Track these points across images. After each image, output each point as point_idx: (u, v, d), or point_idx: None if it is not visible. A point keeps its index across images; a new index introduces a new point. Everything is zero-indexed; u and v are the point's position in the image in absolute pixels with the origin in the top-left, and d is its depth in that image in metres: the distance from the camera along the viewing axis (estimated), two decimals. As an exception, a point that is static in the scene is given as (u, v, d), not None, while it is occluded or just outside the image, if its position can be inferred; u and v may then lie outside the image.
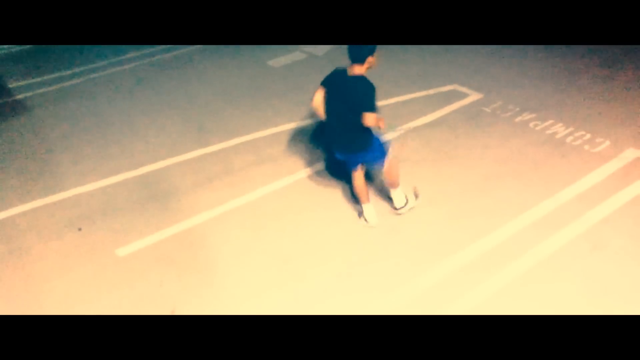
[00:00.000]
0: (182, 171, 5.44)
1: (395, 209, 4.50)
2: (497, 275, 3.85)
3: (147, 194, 5.13)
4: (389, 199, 4.57)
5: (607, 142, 5.17)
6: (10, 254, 4.50)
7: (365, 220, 4.43)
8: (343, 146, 4.23)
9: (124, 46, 9.03)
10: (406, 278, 3.90)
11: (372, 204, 4.45)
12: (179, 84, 7.54)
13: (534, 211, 4.41)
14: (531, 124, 5.62)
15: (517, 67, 6.94)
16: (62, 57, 8.85)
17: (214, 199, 4.94)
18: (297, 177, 5.15)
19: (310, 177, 5.15)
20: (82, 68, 8.37)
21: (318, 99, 4.14)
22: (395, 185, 4.42)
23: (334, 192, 4.90)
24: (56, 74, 8.19)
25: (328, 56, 7.82)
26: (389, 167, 4.31)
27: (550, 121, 5.63)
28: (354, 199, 4.64)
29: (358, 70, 3.87)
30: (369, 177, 4.73)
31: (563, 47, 7.28)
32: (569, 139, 5.30)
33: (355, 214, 4.57)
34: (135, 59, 8.56)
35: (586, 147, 5.15)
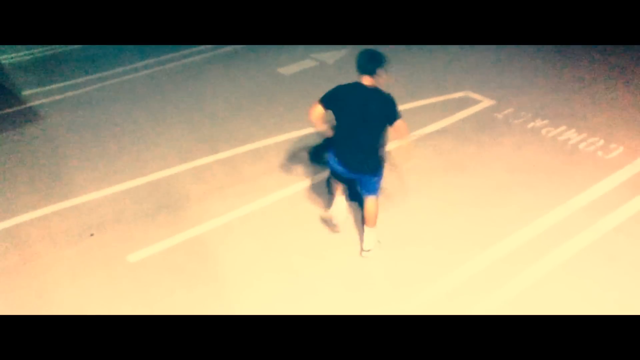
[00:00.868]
0: (192, 179, 5.46)
1: (363, 250, 4.22)
2: (509, 283, 3.81)
3: (157, 201, 5.15)
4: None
5: (621, 149, 5.11)
6: (22, 260, 4.53)
7: (379, 242, 4.27)
8: (354, 165, 3.89)
9: (136, 55, 9.12)
10: (417, 289, 3.87)
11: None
12: (189, 92, 7.59)
13: (546, 218, 4.36)
14: (543, 131, 5.57)
15: (530, 74, 6.89)
16: (74, 65, 8.96)
17: (224, 207, 4.95)
18: (306, 185, 5.15)
19: (320, 184, 5.14)
20: (93, 76, 8.46)
21: (317, 113, 3.74)
22: (373, 224, 4.15)
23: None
24: (68, 82, 8.28)
25: (338, 64, 7.83)
26: (373, 205, 4.07)
27: (563, 127, 5.58)
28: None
29: (370, 82, 3.61)
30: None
31: (576, 53, 7.23)
32: (582, 146, 5.24)
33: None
34: (147, 67, 8.64)
35: (599, 153, 5.09)
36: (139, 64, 8.77)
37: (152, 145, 6.21)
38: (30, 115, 7.25)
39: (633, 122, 5.51)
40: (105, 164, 5.90)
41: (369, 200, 4.07)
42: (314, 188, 5.10)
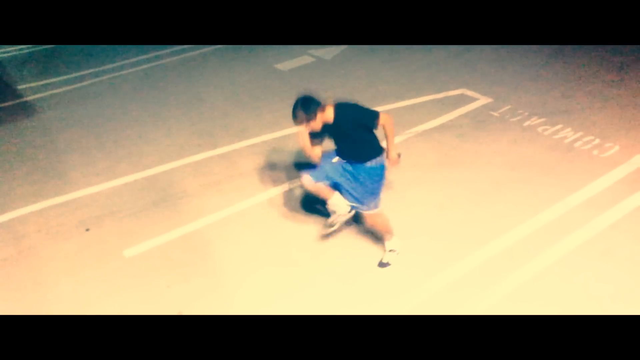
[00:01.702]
0: (190, 173, 5.46)
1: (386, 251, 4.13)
2: (506, 279, 3.83)
3: (155, 195, 5.14)
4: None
5: (617, 147, 5.14)
6: (19, 253, 4.52)
7: (395, 251, 4.15)
8: (352, 156, 3.84)
9: (133, 49, 9.09)
10: (414, 283, 3.88)
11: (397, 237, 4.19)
12: (187, 87, 7.57)
13: (542, 216, 4.38)
14: (540, 129, 5.59)
15: (526, 72, 6.92)
16: (71, 60, 8.92)
17: (222, 202, 4.94)
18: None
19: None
20: (91, 70, 8.43)
21: (307, 144, 3.87)
22: (389, 233, 4.08)
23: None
24: (66, 76, 8.25)
25: (335, 60, 7.83)
26: (373, 218, 3.99)
27: (560, 126, 5.61)
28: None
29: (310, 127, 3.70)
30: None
31: (572, 52, 7.26)
32: (577, 144, 5.27)
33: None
34: (144, 62, 8.61)
35: (595, 152, 5.12)
36: (137, 59, 8.74)
37: (150, 140, 6.19)
38: (26, 110, 7.22)
39: (628, 121, 5.54)
40: (102, 158, 5.88)
41: (370, 217, 3.95)
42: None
